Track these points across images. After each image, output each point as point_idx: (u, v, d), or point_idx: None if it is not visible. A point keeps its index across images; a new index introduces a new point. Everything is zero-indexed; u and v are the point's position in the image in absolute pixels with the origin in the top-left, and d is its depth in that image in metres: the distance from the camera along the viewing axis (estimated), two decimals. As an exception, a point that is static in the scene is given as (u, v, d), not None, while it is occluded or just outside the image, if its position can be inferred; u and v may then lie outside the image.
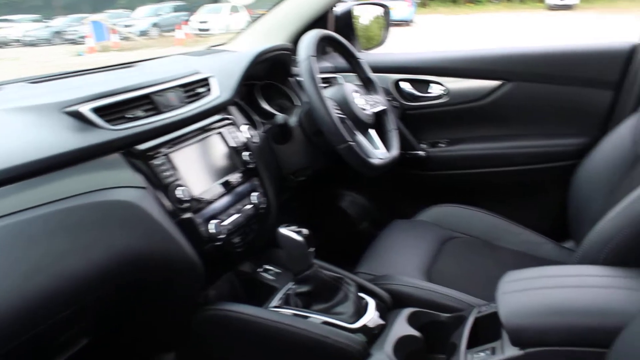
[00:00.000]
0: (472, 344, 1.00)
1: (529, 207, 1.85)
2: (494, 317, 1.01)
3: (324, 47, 1.51)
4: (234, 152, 1.27)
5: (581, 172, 1.53)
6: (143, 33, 16.31)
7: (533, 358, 0.88)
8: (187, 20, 16.74)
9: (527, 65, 1.82)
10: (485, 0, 26.44)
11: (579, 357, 0.85)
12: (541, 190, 1.84)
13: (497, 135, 1.88)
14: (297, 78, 1.65)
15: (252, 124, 1.41)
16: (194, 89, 1.24)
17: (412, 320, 1.16)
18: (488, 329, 1.00)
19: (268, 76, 1.60)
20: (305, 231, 1.14)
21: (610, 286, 0.92)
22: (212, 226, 1.12)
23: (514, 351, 0.89)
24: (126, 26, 16.46)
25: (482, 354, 0.95)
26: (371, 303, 1.20)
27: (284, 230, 1.14)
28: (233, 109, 1.36)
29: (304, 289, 1.18)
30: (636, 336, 0.77)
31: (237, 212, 1.21)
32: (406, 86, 1.95)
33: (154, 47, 12.93)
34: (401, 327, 1.14)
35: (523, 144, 1.84)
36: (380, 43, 2.07)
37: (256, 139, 1.37)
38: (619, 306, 0.87)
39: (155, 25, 17.05)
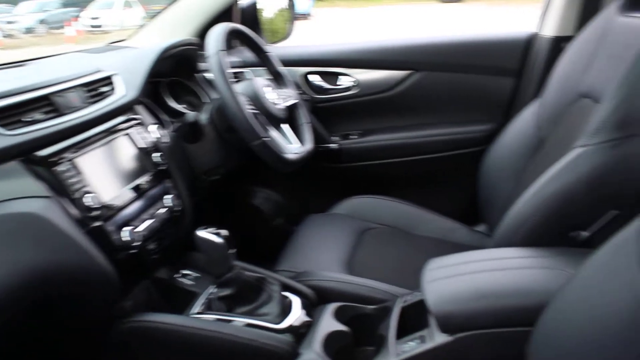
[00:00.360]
0: (401, 333, 1.01)
1: (441, 194, 1.90)
2: (419, 305, 1.02)
3: (230, 41, 1.47)
4: (144, 154, 1.21)
5: (489, 157, 1.59)
6: (29, 30, 15.30)
7: (462, 343, 0.89)
8: (77, 17, 15.88)
9: (433, 55, 1.86)
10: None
11: (506, 337, 0.88)
12: (452, 176, 1.90)
13: (407, 125, 1.91)
14: (205, 74, 1.60)
15: (161, 124, 1.35)
16: (96, 89, 1.16)
17: (338, 315, 1.15)
18: (415, 318, 1.02)
19: (173, 73, 1.54)
20: (224, 232, 1.11)
21: (530, 267, 0.96)
22: (125, 233, 1.05)
23: (444, 337, 0.91)
24: (8, 22, 15.39)
25: (411, 343, 0.96)
26: (296, 301, 1.18)
27: (202, 233, 1.10)
28: (140, 109, 1.29)
29: (226, 292, 1.14)
30: (557, 313, 0.80)
31: (151, 217, 1.15)
32: (315, 79, 1.94)
33: (42, 45, 12.14)
34: (328, 323, 1.12)
35: (433, 132, 1.88)
36: (285, 36, 2.04)
37: (166, 139, 1.30)
38: (539, 285, 0.90)
39: (42, 21, 16.07)
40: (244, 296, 1.14)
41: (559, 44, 1.67)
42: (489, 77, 1.83)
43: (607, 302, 0.70)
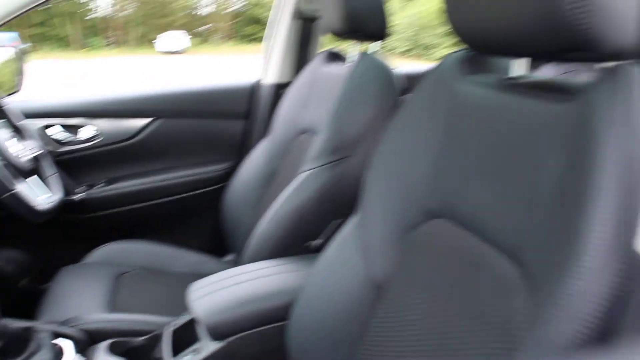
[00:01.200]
0: (176, 353, 1.11)
1: (190, 231, 2.03)
2: (188, 325, 1.14)
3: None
4: None
5: (229, 193, 1.79)
6: None
7: (233, 345, 1.04)
8: None
9: (171, 103, 2.02)
10: (100, 45, 26.44)
11: (268, 333, 1.06)
12: (198, 214, 2.05)
13: (152, 170, 2.02)
14: None
15: None
16: None
17: (112, 351, 1.19)
18: (187, 337, 1.13)
19: None
20: None
21: (277, 273, 1.16)
22: None
23: (216, 344, 1.05)
24: None
25: (187, 357, 1.07)
26: (67, 345, 1.19)
27: (-44, 292, 1.06)
28: None
29: (-9, 348, 1.10)
30: (303, 304, 1.01)
31: None
32: (56, 130, 1.93)
33: None
34: (104, 359, 1.16)
35: (176, 174, 2.02)
36: (15, 89, 1.99)
37: None
38: (288, 286, 1.10)
39: None
40: (12, 349, 1.12)
41: (278, 89, 1.97)
42: (222, 121, 2.06)
43: (339, 287, 0.92)
